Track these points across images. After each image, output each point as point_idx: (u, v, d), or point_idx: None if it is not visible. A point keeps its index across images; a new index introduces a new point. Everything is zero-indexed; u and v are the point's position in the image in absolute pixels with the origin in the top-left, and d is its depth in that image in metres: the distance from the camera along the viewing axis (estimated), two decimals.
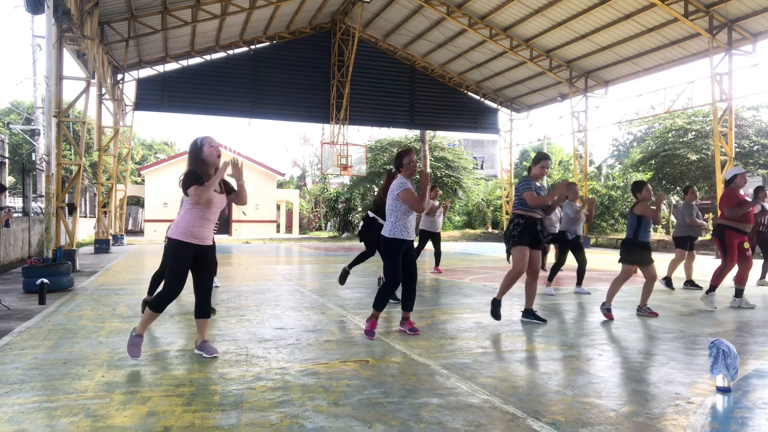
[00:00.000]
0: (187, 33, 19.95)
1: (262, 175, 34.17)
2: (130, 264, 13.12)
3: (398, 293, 6.07)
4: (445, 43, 22.52)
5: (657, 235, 23.89)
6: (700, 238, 9.06)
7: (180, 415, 3.05)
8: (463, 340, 4.97)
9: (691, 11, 15.46)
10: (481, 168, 43.48)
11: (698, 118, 25.77)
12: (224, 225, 32.24)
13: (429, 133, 31.15)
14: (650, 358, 4.41)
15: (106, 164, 21.62)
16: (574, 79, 21.52)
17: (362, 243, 7.28)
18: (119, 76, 20.43)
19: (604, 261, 14.37)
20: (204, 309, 4.30)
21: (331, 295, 7.69)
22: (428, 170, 30.45)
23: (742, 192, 7.09)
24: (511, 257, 5.71)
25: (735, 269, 7.02)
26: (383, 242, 5.11)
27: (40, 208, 15.77)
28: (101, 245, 17.30)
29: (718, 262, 7.12)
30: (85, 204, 26.18)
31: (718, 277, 6.82)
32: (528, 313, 5.84)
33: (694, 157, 24.50)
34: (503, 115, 26.46)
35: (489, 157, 45.94)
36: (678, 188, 25.90)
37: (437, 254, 11.08)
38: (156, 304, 4.16)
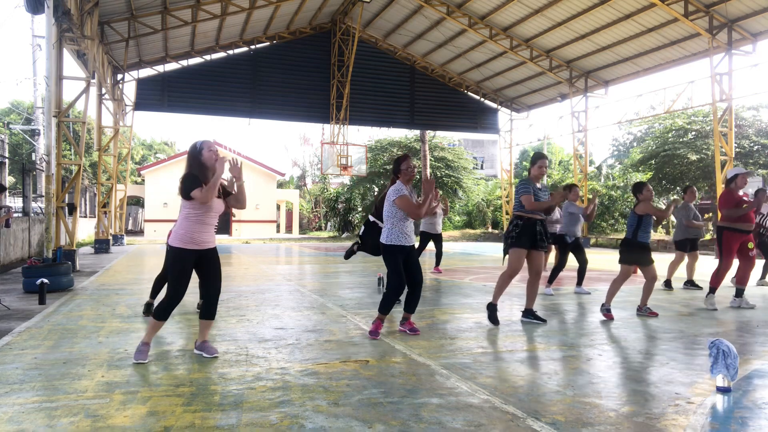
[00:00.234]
0: (187, 33, 19.95)
1: (262, 175, 34.19)
2: (130, 264, 13.12)
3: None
4: (445, 43, 22.52)
5: (657, 235, 23.90)
6: (701, 239, 9.02)
7: (180, 415, 3.05)
8: (463, 340, 4.97)
9: (691, 11, 15.46)
10: (481, 168, 43.47)
11: (698, 118, 25.77)
12: (224, 225, 32.26)
13: (429, 133, 31.15)
14: (650, 358, 4.41)
15: (106, 164, 21.62)
16: (574, 79, 21.52)
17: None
18: (119, 76, 20.43)
19: (604, 261, 14.37)
20: (210, 310, 4.32)
21: (331, 295, 7.69)
22: (429, 175, 30.40)
23: (741, 192, 7.08)
24: (507, 258, 5.72)
25: (736, 269, 7.02)
26: (382, 249, 5.12)
27: (40, 208, 15.78)
28: (101, 245, 17.31)
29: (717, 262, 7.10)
30: (85, 204, 26.18)
31: (715, 278, 6.83)
32: (528, 313, 5.84)
33: (694, 157, 24.50)
34: (503, 115, 26.46)
35: (489, 157, 45.93)
36: (678, 188, 25.89)
37: (438, 255, 11.08)
38: (159, 312, 4.19)
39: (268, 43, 23.21)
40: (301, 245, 23.92)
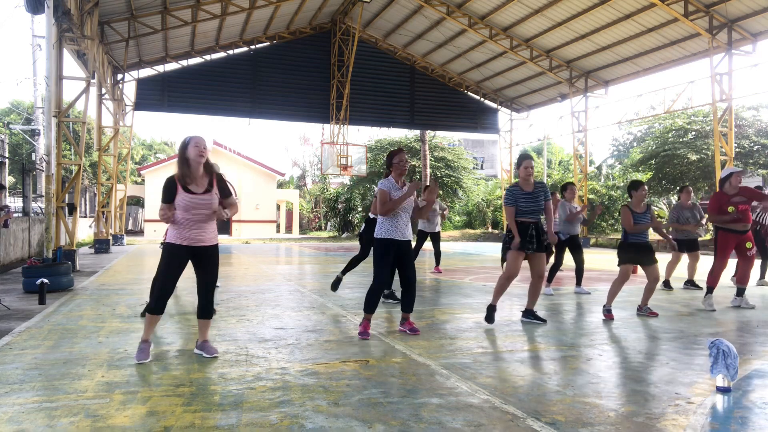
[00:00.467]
0: (187, 33, 19.95)
1: (262, 175, 34.18)
2: (130, 264, 13.12)
3: (398, 294, 6.07)
4: (445, 43, 22.52)
5: (656, 235, 23.88)
6: (700, 238, 8.98)
7: (180, 415, 3.05)
8: (463, 340, 4.97)
9: (691, 11, 15.46)
10: (481, 168, 43.42)
11: (698, 118, 25.75)
12: (224, 225, 32.25)
13: (429, 133, 31.15)
14: (650, 358, 4.41)
15: (106, 164, 21.62)
16: (574, 79, 21.52)
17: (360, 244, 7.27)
18: (119, 76, 20.43)
19: (603, 261, 14.37)
20: (205, 309, 4.32)
21: (331, 295, 7.69)
22: (430, 175, 30.40)
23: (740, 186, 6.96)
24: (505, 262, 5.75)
25: (736, 269, 7.01)
26: (374, 242, 5.12)
27: (40, 208, 15.79)
28: (101, 245, 17.31)
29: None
30: (85, 204, 26.18)
31: (711, 278, 6.82)
32: (528, 314, 5.85)
33: (694, 157, 24.48)
34: (503, 115, 26.47)
35: (489, 157, 45.89)
36: (678, 188, 25.86)
37: (437, 254, 11.06)
38: (152, 307, 4.22)
39: (268, 43, 23.22)
40: (301, 245, 23.92)
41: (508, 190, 5.75)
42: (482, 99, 26.16)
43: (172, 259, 4.17)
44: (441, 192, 32.57)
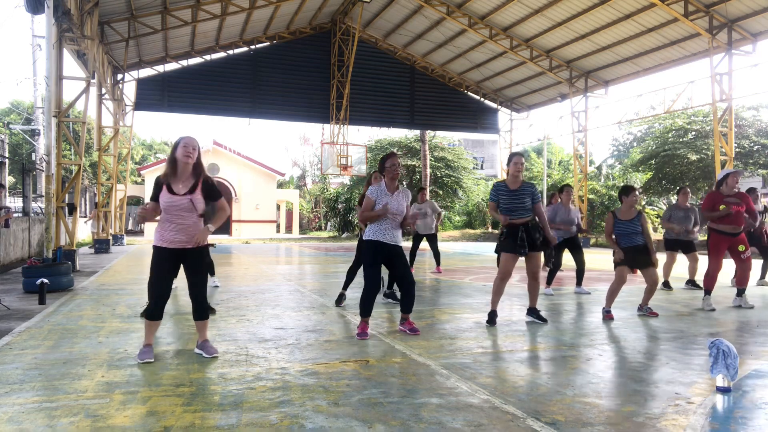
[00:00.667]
0: (187, 33, 19.96)
1: (262, 175, 34.19)
2: (130, 264, 13.12)
3: (398, 294, 6.07)
4: (445, 43, 22.52)
5: (657, 235, 23.88)
6: (696, 240, 8.96)
7: (180, 415, 3.05)
8: (463, 340, 4.97)
9: (691, 11, 15.46)
10: (481, 168, 43.38)
11: (698, 118, 25.74)
12: (224, 225, 32.21)
13: (429, 133, 31.15)
14: (650, 358, 4.41)
15: (106, 164, 21.61)
16: (574, 79, 21.52)
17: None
18: (119, 76, 20.43)
19: (604, 261, 14.36)
20: (199, 311, 4.30)
21: (331, 295, 7.69)
22: (422, 179, 30.37)
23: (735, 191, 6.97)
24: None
25: (735, 270, 7.01)
26: (362, 245, 5.14)
27: (40, 208, 15.79)
28: (101, 245, 17.31)
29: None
30: (85, 204, 26.17)
31: (707, 280, 6.82)
32: (531, 312, 5.87)
33: (694, 157, 24.47)
34: (503, 115, 26.47)
35: (489, 157, 45.83)
36: (677, 189, 25.84)
37: (435, 255, 11.03)
38: (147, 312, 4.23)
39: (268, 43, 23.22)
40: (301, 245, 23.92)
41: (493, 186, 5.80)
42: (482, 99, 26.16)
43: (158, 261, 4.15)
44: (440, 192, 32.58)
